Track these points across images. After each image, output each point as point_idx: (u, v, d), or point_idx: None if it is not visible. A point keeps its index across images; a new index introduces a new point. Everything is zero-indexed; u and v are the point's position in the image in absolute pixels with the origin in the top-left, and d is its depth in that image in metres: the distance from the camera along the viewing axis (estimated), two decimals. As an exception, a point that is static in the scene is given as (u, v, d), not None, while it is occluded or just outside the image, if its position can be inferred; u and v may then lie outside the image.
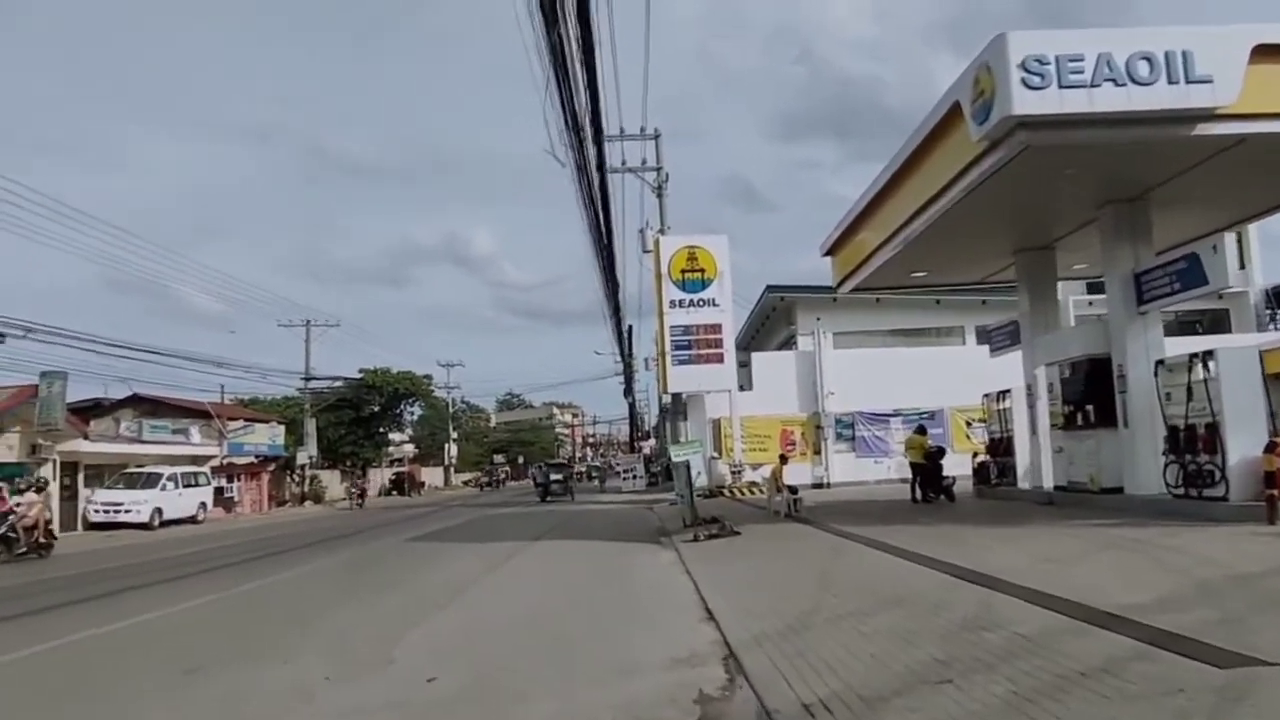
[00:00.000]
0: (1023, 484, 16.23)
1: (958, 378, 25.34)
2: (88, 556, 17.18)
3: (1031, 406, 15.83)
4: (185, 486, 28.28)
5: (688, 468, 14.95)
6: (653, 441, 64.89)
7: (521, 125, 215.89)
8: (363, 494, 40.42)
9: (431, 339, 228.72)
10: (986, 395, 17.91)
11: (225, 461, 34.65)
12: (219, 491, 32.72)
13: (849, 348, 28.62)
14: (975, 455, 18.88)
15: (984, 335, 28.08)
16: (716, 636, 6.34)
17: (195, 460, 32.15)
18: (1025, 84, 9.75)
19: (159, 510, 26.18)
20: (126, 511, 25.44)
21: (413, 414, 61.76)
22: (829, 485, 26.13)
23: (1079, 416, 13.81)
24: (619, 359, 58.71)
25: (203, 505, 29.37)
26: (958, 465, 18.21)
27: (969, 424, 26.59)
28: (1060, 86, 9.76)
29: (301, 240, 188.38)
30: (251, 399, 45.95)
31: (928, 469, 16.77)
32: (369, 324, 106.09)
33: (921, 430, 18.00)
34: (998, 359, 18.34)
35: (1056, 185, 12.17)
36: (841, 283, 17.98)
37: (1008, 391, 16.94)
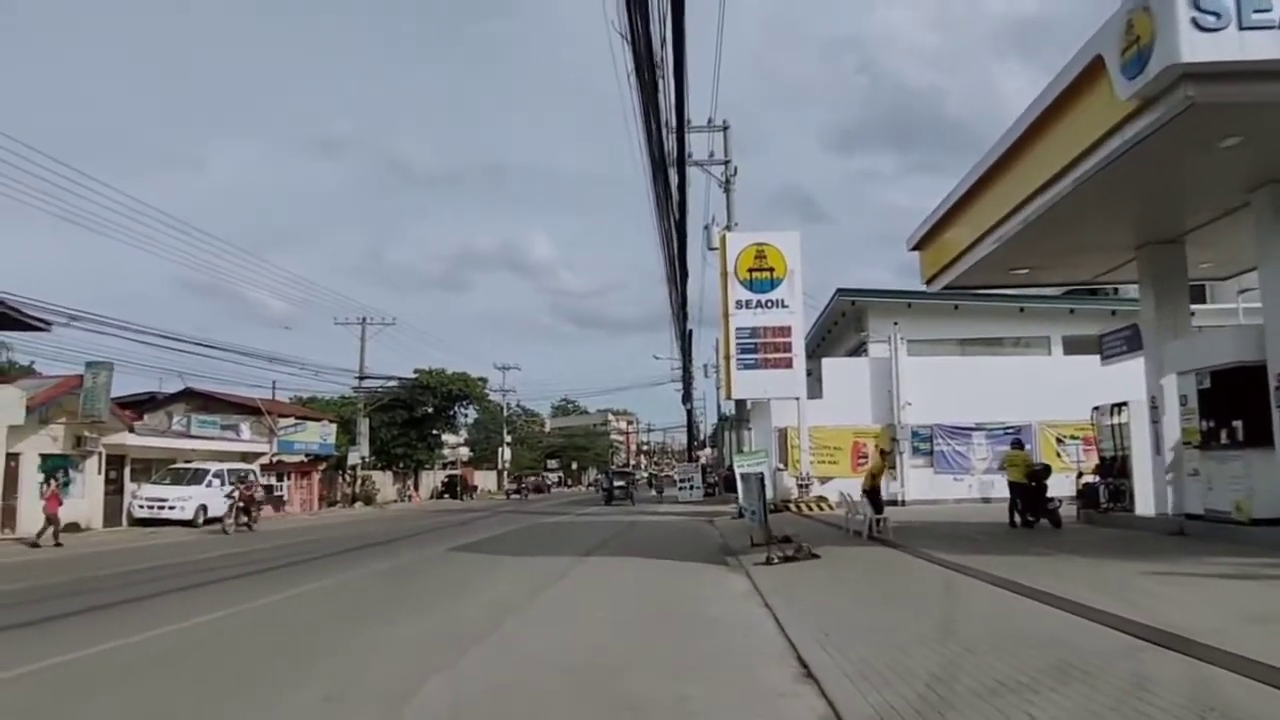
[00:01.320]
0: (1142, 510, 14.21)
1: (1046, 390, 23.56)
2: (90, 559, 16.33)
3: (1156, 421, 13.83)
4: (232, 484, 27.54)
5: (760, 480, 13.34)
6: (710, 450, 63.28)
7: (581, 137, 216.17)
8: (249, 505, 23.63)
9: (488, 343, 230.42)
10: (1096, 408, 15.86)
11: (275, 459, 34.04)
12: (268, 489, 32.02)
13: (923, 355, 26.61)
14: (1080, 475, 16.82)
15: (1072, 345, 26.19)
16: (824, 709, 4.80)
17: (244, 457, 31.52)
18: (1196, 24, 7.94)
19: (204, 507, 25.44)
20: (171, 508, 24.77)
21: (467, 416, 61.07)
22: (904, 503, 24.13)
23: (1222, 434, 11.82)
24: (678, 363, 57.20)
25: (250, 503, 28.46)
26: (1052, 486, 16.18)
27: (1060, 440, 24.47)
28: (1240, 28, 7.93)
29: (367, 246, 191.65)
30: (310, 398, 45.68)
31: (1030, 490, 14.85)
32: (428, 327, 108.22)
33: (1019, 445, 16.06)
34: (1107, 368, 16.30)
35: (1206, 160, 10.25)
36: (932, 279, 16.12)
37: (1123, 404, 14.91)
